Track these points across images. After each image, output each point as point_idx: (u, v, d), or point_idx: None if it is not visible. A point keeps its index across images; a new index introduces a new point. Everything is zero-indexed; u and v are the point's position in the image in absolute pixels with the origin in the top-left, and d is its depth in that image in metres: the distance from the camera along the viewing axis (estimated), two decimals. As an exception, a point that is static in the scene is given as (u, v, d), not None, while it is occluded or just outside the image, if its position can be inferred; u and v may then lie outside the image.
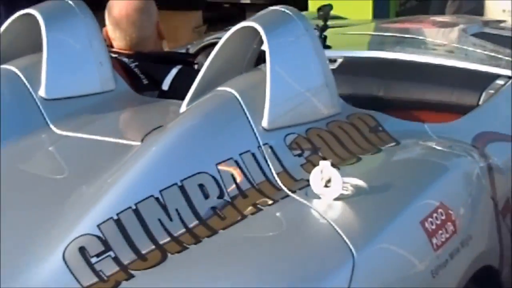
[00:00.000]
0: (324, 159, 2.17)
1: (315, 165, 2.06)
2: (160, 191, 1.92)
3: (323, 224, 1.89)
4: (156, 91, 2.85)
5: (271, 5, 2.53)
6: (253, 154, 2.10)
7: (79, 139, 2.27)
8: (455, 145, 2.36)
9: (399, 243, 1.93)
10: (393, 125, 2.40)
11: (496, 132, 2.62)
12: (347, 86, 3.28)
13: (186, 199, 1.94)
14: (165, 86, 2.84)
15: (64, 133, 2.30)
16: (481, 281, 2.23)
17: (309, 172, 2.01)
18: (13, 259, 1.81)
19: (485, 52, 3.43)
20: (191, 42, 3.93)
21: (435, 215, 2.03)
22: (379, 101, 3.19)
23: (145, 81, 2.85)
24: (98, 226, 1.83)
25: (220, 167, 2.03)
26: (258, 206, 1.99)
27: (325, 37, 3.46)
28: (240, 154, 2.08)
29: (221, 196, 1.99)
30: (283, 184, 2.07)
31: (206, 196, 1.97)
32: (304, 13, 4.13)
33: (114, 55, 2.87)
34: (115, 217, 1.85)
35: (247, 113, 2.17)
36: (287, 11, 2.35)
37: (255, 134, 2.14)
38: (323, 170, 1.98)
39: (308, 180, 1.99)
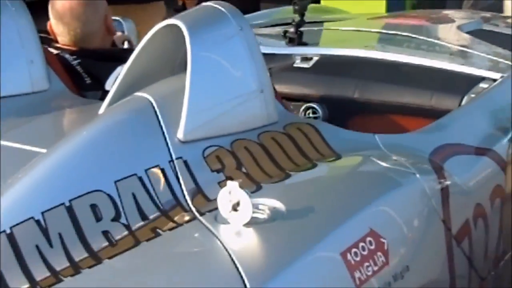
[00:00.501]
0: (248, 175, 1.95)
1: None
2: (43, 212, 1.70)
3: (222, 256, 1.64)
4: (100, 91, 2.63)
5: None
6: (163, 170, 1.86)
7: None
8: (404, 161, 2.09)
9: (311, 280, 1.67)
10: (337, 136, 2.14)
11: (462, 144, 2.35)
12: (321, 86, 3.05)
13: (73, 222, 1.71)
14: (109, 86, 2.61)
15: None
16: None
17: (228, 191, 1.77)
18: None
19: (475, 52, 3.16)
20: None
21: (361, 244, 1.78)
22: (353, 104, 2.95)
23: (88, 80, 2.64)
24: None
25: (120, 184, 1.80)
26: (157, 230, 1.76)
27: (301, 33, 3.22)
28: (147, 170, 1.85)
29: (116, 218, 1.76)
30: (193, 205, 1.83)
31: (98, 219, 1.74)
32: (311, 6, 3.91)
33: (56, 51, 2.67)
34: None
35: (162, 123, 1.93)
36: (220, 8, 2.11)
37: (168, 146, 1.90)
38: (231, 191, 1.74)
39: None
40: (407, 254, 1.92)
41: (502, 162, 2.45)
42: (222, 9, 2.10)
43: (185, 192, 1.85)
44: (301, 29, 3.22)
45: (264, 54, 3.08)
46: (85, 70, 2.64)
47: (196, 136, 1.94)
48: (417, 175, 2.06)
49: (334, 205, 1.86)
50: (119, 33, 3.11)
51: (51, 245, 1.67)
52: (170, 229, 1.76)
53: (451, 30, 3.48)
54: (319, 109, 2.99)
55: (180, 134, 1.92)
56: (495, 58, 3.06)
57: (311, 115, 3.00)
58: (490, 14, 3.99)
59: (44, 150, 1.92)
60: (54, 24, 2.70)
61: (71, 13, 2.67)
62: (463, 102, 2.77)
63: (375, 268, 1.78)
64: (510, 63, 2.96)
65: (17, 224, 1.67)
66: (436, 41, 3.25)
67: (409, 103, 2.88)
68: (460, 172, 2.24)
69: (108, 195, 1.77)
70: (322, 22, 3.62)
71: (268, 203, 1.81)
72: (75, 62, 2.65)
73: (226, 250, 1.65)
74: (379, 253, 1.80)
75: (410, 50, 3.12)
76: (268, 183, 1.92)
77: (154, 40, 2.11)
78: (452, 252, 2.09)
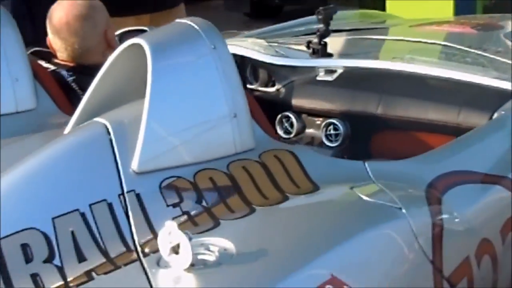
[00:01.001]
0: (208, 210, 1.78)
1: (192, 218, 1.66)
2: None
3: None
4: (95, 108, 2.50)
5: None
6: (110, 204, 1.71)
7: None
8: (392, 193, 1.87)
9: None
10: (319, 165, 1.94)
11: (471, 171, 2.11)
12: (343, 101, 2.85)
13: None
14: None
15: None
16: None
17: (183, 228, 1.61)
18: None
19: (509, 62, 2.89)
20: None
21: None
22: (375, 120, 2.74)
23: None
24: None
25: (58, 221, 1.66)
26: (92, 273, 1.61)
27: (325, 43, 3.01)
28: (92, 204, 1.70)
29: (49, 259, 1.62)
30: (140, 244, 1.68)
31: (29, 260, 1.61)
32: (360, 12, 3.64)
33: (53, 67, 2.56)
34: None
35: (116, 152, 1.78)
36: (193, 25, 1.94)
37: (120, 178, 1.75)
38: (171, 232, 1.58)
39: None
40: (379, 302, 1.71)
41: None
42: (195, 26, 1.94)
43: (133, 229, 1.70)
44: (331, 38, 3.02)
45: (287, 66, 2.96)
46: (79, 87, 2.52)
47: (153, 167, 1.79)
48: (403, 210, 1.84)
49: (294, 247, 1.67)
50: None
51: (-29, 290, 1.55)
52: (106, 273, 1.60)
53: (495, 38, 3.21)
54: (340, 126, 2.80)
55: (134, 165, 1.77)
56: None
57: (332, 131, 2.81)
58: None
59: None
60: (52, 39, 2.59)
61: (68, 29, 2.55)
62: (493, 119, 2.52)
63: (334, 320, 1.59)
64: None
65: None
66: (473, 50, 2.99)
67: (435, 119, 2.64)
68: (463, 204, 2.01)
69: (43, 233, 1.63)
70: (356, 30, 3.40)
71: (220, 243, 1.64)
72: (70, 79, 2.54)
73: None
74: (340, 303, 1.61)
75: (441, 62, 2.88)
76: (228, 219, 1.75)
77: (122, 59, 1.96)
78: (443, 296, 1.86)
